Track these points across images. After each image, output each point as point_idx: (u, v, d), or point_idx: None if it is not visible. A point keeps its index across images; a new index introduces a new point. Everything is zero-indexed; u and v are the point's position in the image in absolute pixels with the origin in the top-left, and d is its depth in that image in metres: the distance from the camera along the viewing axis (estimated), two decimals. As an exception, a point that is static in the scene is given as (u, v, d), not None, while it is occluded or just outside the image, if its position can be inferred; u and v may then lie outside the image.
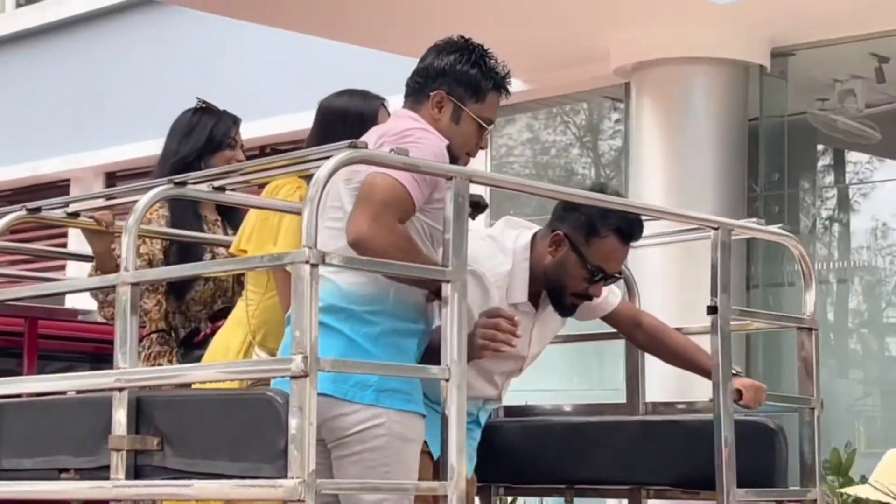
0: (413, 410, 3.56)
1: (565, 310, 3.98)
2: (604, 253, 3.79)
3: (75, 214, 3.90)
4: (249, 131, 5.46)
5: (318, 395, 3.06)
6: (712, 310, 3.93)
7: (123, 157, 12.94)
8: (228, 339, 4.17)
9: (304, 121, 11.55)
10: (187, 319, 4.69)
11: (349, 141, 3.23)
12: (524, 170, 10.66)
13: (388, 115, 4.25)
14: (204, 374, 3.41)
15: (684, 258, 7.81)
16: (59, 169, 13.56)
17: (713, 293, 3.95)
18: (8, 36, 14.23)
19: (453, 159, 3.65)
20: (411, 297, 3.54)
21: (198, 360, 4.47)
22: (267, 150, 12.32)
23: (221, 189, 3.60)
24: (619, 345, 4.60)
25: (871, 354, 9.89)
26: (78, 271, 11.48)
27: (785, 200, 9.71)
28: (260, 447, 3.20)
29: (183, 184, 3.55)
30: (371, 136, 3.60)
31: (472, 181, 3.42)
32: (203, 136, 4.76)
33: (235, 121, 4.88)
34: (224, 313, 4.57)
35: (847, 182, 10.13)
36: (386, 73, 10.85)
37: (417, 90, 3.72)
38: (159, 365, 4.57)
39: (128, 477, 3.38)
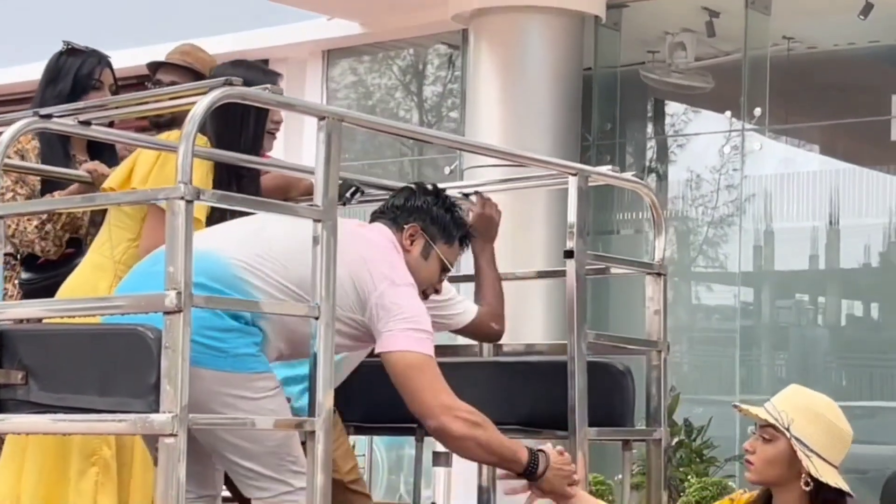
0: (259, 371, 3.57)
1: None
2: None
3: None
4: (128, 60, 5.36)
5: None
6: (569, 254, 4.03)
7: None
8: (95, 282, 4.12)
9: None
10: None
11: (225, 78, 3.23)
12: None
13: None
14: (75, 309, 3.39)
15: (520, 202, 7.90)
16: None
17: (569, 237, 4.05)
18: None
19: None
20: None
21: (40, 282, 4.46)
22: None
23: (87, 123, 3.57)
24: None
25: (682, 301, 10.20)
26: None
27: (616, 149, 9.93)
28: (131, 382, 3.19)
29: (48, 117, 3.51)
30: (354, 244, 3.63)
31: (343, 122, 3.46)
32: (69, 80, 4.72)
33: (101, 59, 4.81)
34: (70, 243, 4.55)
35: (674, 133, 10.37)
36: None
37: (393, 218, 3.89)
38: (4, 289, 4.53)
39: (-10, 411, 3.35)
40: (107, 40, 11.06)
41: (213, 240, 3.59)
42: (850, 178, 9.92)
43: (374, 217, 3.97)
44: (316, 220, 3.38)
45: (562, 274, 4.14)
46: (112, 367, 3.25)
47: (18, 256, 4.62)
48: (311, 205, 3.41)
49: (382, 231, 3.85)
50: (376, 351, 3.69)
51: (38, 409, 3.33)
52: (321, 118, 3.42)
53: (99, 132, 3.66)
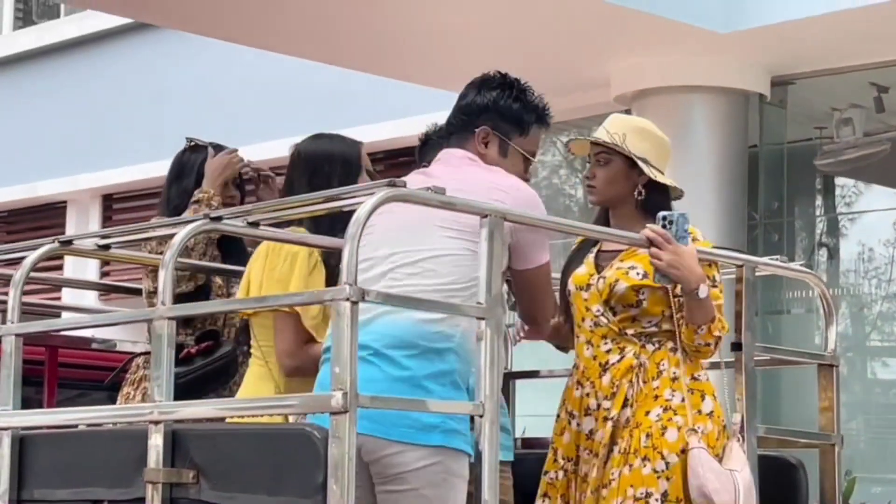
0: (468, 452, 3.57)
1: None
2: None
3: (107, 247, 3.93)
4: (250, 155, 5.52)
5: (379, 438, 3.09)
6: (737, 346, 3.97)
7: (121, 179, 12.96)
8: (258, 391, 4.15)
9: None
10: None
11: (389, 179, 3.27)
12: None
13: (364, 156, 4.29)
14: (245, 409, 3.44)
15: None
16: (55, 191, 13.58)
17: (737, 330, 3.99)
18: (6, 58, 14.25)
19: None
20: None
21: (183, 377, 4.53)
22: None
23: (255, 224, 3.64)
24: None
25: (857, 377, 9.96)
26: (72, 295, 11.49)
27: (784, 228, 9.78)
28: (298, 482, 3.22)
29: (219, 219, 3.58)
30: (444, 181, 3.52)
31: (505, 220, 3.46)
32: (193, 175, 4.83)
33: (217, 147, 4.92)
34: (209, 335, 4.61)
35: (845, 209, 10.20)
36: (382, 98, 10.96)
37: (461, 127, 3.76)
38: (145, 388, 4.61)
39: (163, 510, 3.40)
40: (267, 129, 11.31)
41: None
42: None
43: (447, 132, 3.83)
44: (479, 318, 3.39)
45: (730, 366, 4.08)
46: (280, 466, 3.28)
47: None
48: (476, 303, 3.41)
49: (457, 155, 3.72)
50: (519, 267, 3.71)
51: (210, 508, 3.37)
52: (483, 216, 3.43)
53: (265, 232, 3.72)
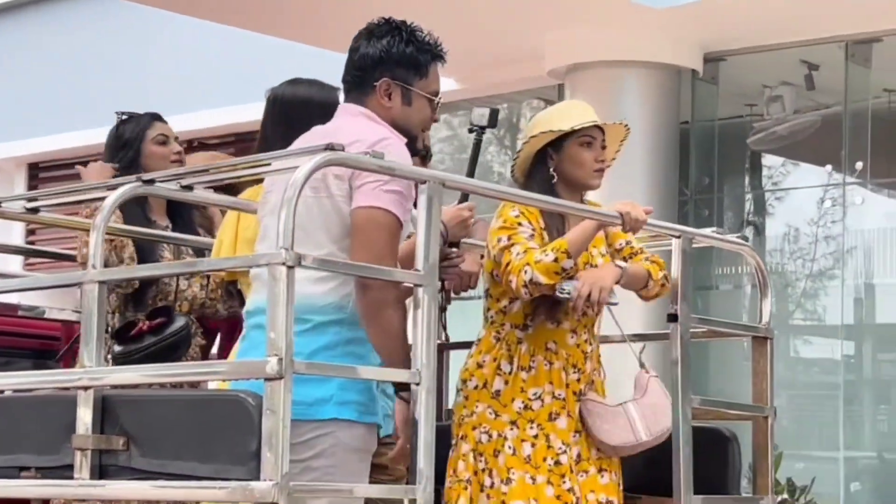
0: (365, 422, 3.54)
1: (416, 150, 3.81)
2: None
3: (35, 210, 3.85)
4: (180, 125, 5.45)
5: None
6: (673, 318, 3.96)
7: (47, 148, 12.78)
8: None
9: (236, 115, 11.49)
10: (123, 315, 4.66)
11: (326, 143, 3.22)
12: (440, 166, 10.66)
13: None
14: (176, 375, 3.38)
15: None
16: (-21, 159, 13.38)
17: (673, 301, 3.98)
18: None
19: (412, 139, 3.68)
20: None
21: (135, 354, 4.45)
22: (195, 143, 12.24)
23: (189, 188, 3.58)
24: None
25: (781, 356, 10.03)
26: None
27: (714, 204, 9.82)
28: (231, 449, 3.17)
29: (151, 181, 3.52)
30: (339, 139, 3.51)
31: (444, 186, 3.43)
32: (133, 145, 4.76)
33: (155, 116, 4.86)
34: (161, 311, 4.54)
35: (773, 187, 10.25)
36: (319, 70, 10.88)
37: (359, 83, 3.67)
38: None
39: (92, 477, 3.34)
40: (198, 99, 11.21)
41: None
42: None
43: (345, 89, 3.73)
44: (416, 285, 3.35)
45: (664, 337, 4.07)
46: (213, 433, 3.23)
47: (109, 329, 4.60)
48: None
49: (352, 111, 3.64)
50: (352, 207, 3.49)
51: (139, 475, 3.32)
52: (422, 182, 3.39)
53: (199, 196, 3.66)
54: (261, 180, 3.88)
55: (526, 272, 3.94)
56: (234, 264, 3.64)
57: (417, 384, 3.34)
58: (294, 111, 4.12)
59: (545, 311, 4.07)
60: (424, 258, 3.37)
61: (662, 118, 9.10)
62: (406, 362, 3.42)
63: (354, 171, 3.45)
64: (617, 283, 4.02)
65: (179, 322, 4.45)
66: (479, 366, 4.13)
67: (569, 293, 3.99)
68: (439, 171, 3.53)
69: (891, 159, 9.59)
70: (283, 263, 3.05)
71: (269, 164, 3.42)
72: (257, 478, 3.07)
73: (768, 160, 10.25)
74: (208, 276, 4.59)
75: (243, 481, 3.10)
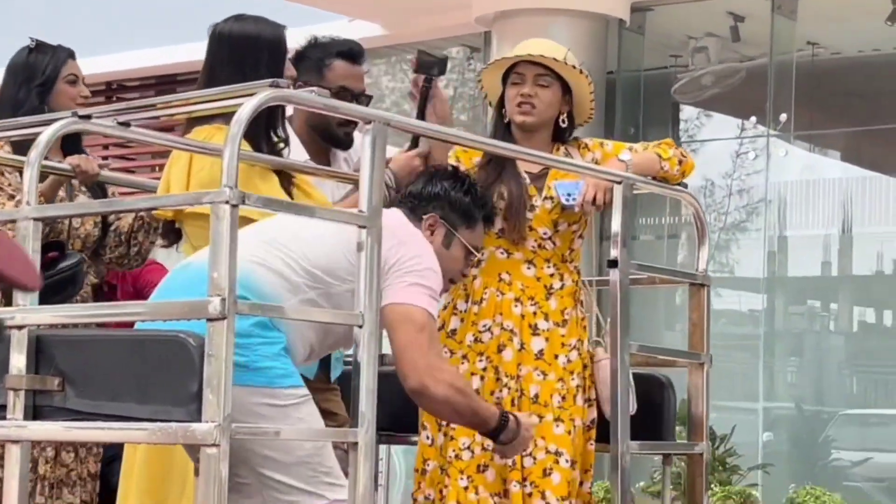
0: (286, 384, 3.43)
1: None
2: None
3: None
4: (91, 67, 5.31)
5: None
6: (613, 264, 3.95)
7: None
8: None
9: (152, 57, 11.31)
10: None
11: (270, 80, 3.16)
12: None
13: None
14: (113, 314, 3.31)
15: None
16: None
17: (613, 246, 3.97)
18: None
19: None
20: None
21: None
22: (114, 85, 12.07)
23: (126, 124, 3.49)
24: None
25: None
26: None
27: (638, 155, 9.84)
28: (171, 390, 3.11)
29: (87, 117, 3.43)
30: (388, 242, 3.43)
31: (389, 125, 3.38)
32: (41, 77, 4.60)
33: (71, 54, 4.70)
34: (53, 246, 4.41)
35: (698, 138, 10.29)
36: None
37: (411, 209, 3.71)
38: None
39: (26, 417, 3.27)
40: (124, 39, 11.04)
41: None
42: (873, 186, 9.84)
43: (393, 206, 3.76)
44: (360, 227, 3.30)
45: (604, 284, 4.06)
46: (152, 374, 3.16)
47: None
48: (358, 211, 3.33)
49: (398, 217, 3.64)
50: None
51: (75, 416, 3.25)
52: (367, 122, 3.34)
53: (136, 133, 3.58)
54: (207, 119, 3.81)
55: None
56: (177, 202, 3.56)
57: (360, 327, 3.30)
58: (243, 49, 3.97)
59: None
60: (368, 200, 3.32)
61: (589, 67, 8.93)
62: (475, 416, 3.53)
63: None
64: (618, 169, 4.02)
65: (73, 258, 4.33)
66: (443, 307, 4.12)
67: (574, 198, 3.98)
68: (384, 111, 3.47)
69: (814, 112, 9.66)
70: (227, 202, 2.99)
71: (212, 101, 3.35)
72: (198, 420, 3.02)
73: (692, 112, 10.29)
74: (104, 217, 4.48)
75: (184, 423, 3.05)
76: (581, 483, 4.09)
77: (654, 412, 4.14)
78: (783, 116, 9.25)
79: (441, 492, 4.05)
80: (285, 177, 3.93)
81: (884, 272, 9.94)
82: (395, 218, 3.58)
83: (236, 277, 3.01)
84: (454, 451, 4.02)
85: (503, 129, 4.13)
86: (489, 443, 3.74)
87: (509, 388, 4.01)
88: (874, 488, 9.59)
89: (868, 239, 9.80)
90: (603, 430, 4.02)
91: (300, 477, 3.37)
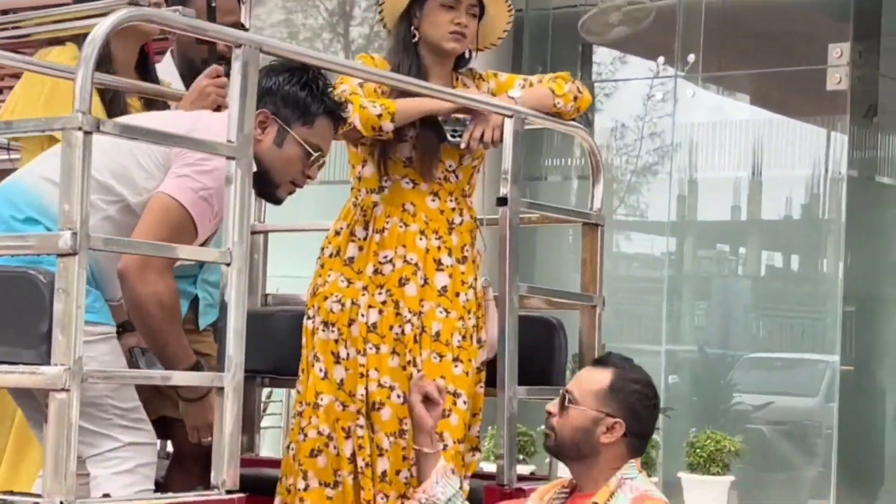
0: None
1: (276, 199, 3.59)
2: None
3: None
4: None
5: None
6: (502, 201, 3.78)
7: None
8: None
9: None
10: None
11: (129, -1, 2.94)
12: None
13: None
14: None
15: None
16: None
17: (503, 184, 3.80)
18: None
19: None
20: None
21: None
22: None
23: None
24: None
25: (606, 252, 10.03)
26: None
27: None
28: (19, 330, 2.91)
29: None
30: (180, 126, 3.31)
31: (262, 51, 3.17)
32: None
33: None
34: None
35: (606, 78, 10.16)
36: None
37: None
38: None
39: None
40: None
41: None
42: (781, 128, 9.77)
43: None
44: (229, 158, 3.11)
45: (494, 222, 3.88)
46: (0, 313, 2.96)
47: None
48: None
49: (219, 119, 3.36)
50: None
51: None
52: (237, 46, 3.13)
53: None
54: (62, 41, 3.59)
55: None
56: (28, 128, 3.33)
57: (228, 264, 3.10)
58: None
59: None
60: (238, 129, 3.12)
61: (496, 4, 8.89)
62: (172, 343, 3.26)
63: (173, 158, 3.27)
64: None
65: None
66: (337, 233, 3.91)
67: (459, 135, 3.79)
68: (255, 35, 3.25)
69: (723, 54, 9.54)
70: (80, 128, 2.78)
71: (67, 21, 3.13)
72: (48, 362, 2.82)
73: (601, 52, 10.15)
74: None
75: (32, 365, 2.85)
76: (469, 427, 3.92)
77: (543, 356, 3.99)
78: (691, 57, 9.13)
79: (346, 429, 3.83)
80: (116, 106, 3.74)
81: (792, 216, 9.89)
82: (212, 118, 3.39)
83: (34, 198, 2.81)
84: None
85: (412, 48, 3.92)
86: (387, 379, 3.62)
87: (412, 324, 3.81)
88: (774, 431, 9.59)
89: (777, 182, 9.74)
90: (490, 374, 3.86)
91: (89, 418, 3.17)
